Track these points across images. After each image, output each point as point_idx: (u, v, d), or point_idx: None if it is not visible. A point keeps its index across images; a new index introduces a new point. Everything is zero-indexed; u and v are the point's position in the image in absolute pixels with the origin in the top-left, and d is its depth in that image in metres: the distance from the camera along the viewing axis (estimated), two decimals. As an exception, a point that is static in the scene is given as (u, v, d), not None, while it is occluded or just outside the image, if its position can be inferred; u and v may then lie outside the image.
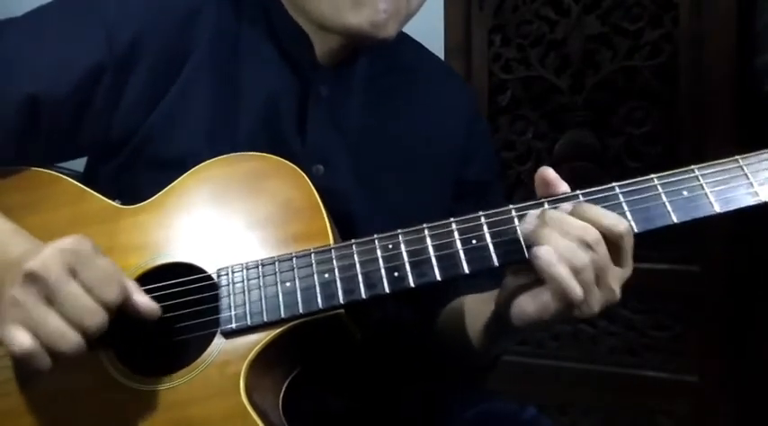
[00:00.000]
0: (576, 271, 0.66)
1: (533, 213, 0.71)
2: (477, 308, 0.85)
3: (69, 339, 0.64)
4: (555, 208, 0.70)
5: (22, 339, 0.63)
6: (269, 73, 0.89)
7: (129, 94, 0.84)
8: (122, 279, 0.69)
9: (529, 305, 0.71)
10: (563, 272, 0.66)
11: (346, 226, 0.81)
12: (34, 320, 0.63)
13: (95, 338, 0.66)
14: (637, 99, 1.66)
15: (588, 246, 0.66)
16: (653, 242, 1.66)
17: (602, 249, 0.67)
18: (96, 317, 0.65)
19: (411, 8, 0.86)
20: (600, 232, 0.67)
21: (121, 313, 0.69)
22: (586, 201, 0.71)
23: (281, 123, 0.88)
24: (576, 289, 0.67)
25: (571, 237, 0.67)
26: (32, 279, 0.64)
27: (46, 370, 0.65)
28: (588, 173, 1.68)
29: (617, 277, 0.69)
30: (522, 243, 0.70)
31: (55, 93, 0.82)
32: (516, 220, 0.72)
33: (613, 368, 1.71)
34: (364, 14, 0.81)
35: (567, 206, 0.70)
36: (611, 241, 0.68)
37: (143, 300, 0.71)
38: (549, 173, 0.72)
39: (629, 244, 0.69)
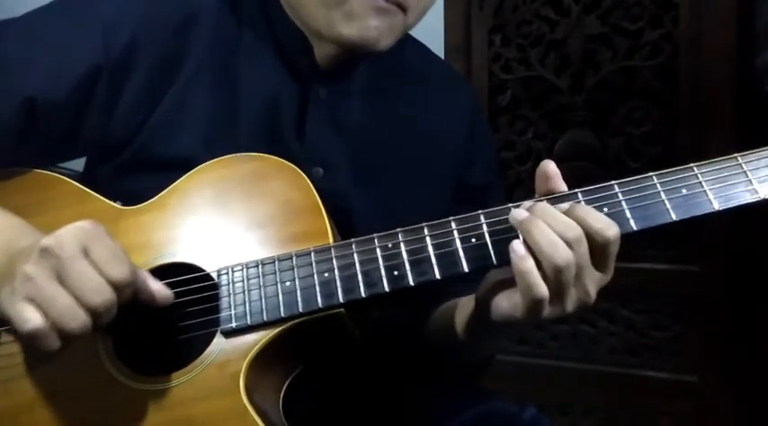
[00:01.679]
0: (558, 269, 0.66)
1: (527, 203, 0.71)
2: (466, 303, 0.85)
3: (78, 317, 0.64)
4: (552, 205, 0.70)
5: (31, 316, 0.63)
6: (268, 76, 0.89)
7: (127, 96, 0.84)
8: (132, 263, 0.69)
9: (503, 301, 0.72)
10: (531, 268, 0.66)
11: (345, 228, 0.81)
12: (44, 297, 0.64)
13: (103, 319, 0.66)
14: (637, 99, 1.66)
15: (568, 244, 0.66)
16: (652, 241, 1.66)
17: (583, 249, 0.67)
18: (104, 295, 0.65)
19: (408, 23, 0.86)
20: (585, 233, 0.67)
21: (129, 309, 0.70)
22: (585, 200, 0.71)
23: (280, 126, 0.88)
24: (542, 288, 0.67)
25: (554, 232, 0.66)
26: (47, 254, 0.65)
27: (54, 351, 0.65)
28: (588, 173, 1.68)
29: (595, 280, 0.69)
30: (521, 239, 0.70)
31: (52, 96, 0.82)
32: None
33: (613, 368, 1.72)
34: (355, 28, 0.82)
35: (565, 205, 0.70)
36: (598, 244, 0.67)
37: (157, 286, 0.72)
38: (550, 167, 0.72)
39: (614, 250, 0.68)
